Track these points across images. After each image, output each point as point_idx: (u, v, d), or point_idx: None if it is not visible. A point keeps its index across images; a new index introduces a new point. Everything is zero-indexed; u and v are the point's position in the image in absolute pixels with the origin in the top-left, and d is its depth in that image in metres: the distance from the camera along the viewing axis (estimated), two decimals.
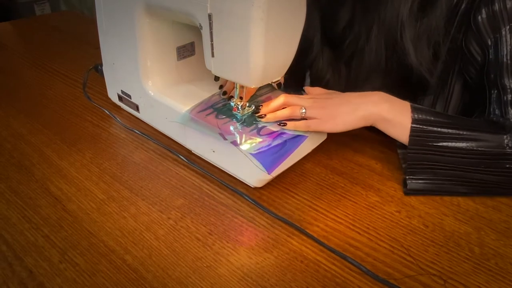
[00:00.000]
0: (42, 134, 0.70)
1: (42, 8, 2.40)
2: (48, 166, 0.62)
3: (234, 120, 0.61)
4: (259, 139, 0.57)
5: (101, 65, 0.78)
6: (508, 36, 0.58)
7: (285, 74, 0.58)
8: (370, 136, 0.70)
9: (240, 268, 0.47)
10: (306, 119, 0.59)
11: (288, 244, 0.50)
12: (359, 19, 0.69)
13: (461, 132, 0.55)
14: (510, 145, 0.54)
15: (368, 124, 0.59)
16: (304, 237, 0.51)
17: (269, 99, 0.64)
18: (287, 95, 0.62)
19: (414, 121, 0.55)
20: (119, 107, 0.78)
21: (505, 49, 0.59)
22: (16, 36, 1.20)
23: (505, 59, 0.58)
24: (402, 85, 0.68)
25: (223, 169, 0.61)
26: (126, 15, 0.65)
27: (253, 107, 0.63)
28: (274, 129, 0.59)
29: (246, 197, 0.57)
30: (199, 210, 0.55)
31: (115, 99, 0.78)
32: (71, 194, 0.57)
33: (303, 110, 0.58)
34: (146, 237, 0.51)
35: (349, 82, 0.75)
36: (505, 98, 0.58)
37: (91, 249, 0.49)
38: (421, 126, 0.55)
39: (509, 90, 0.58)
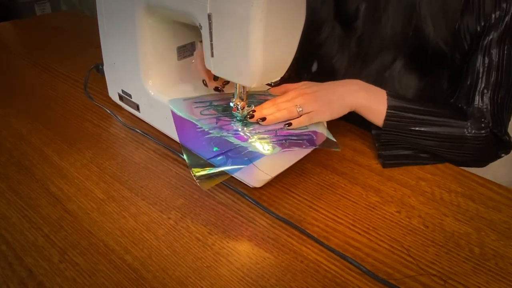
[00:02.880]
0: (42, 134, 0.70)
1: (42, 8, 2.40)
2: (48, 166, 0.63)
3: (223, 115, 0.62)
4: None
5: (102, 64, 0.78)
6: (494, 27, 0.61)
7: (286, 73, 0.58)
8: (370, 136, 0.70)
9: (240, 268, 0.47)
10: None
11: (288, 244, 0.50)
12: None
13: (430, 118, 0.62)
14: (469, 130, 0.62)
15: (351, 110, 0.63)
16: (304, 237, 0.51)
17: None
18: (274, 100, 0.62)
19: (389, 107, 0.62)
20: (119, 106, 0.78)
21: (488, 38, 0.62)
22: (16, 36, 1.20)
23: (485, 49, 0.62)
24: (417, 57, 0.69)
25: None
26: (126, 15, 0.65)
27: (253, 107, 0.63)
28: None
29: (246, 197, 0.57)
30: (199, 210, 0.55)
31: (116, 99, 0.78)
32: (71, 194, 0.57)
33: (300, 109, 0.60)
34: (146, 237, 0.51)
35: (358, 59, 0.75)
36: (475, 86, 0.63)
37: (91, 249, 0.49)
38: (395, 112, 0.62)
39: (480, 79, 0.63)
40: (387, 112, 0.62)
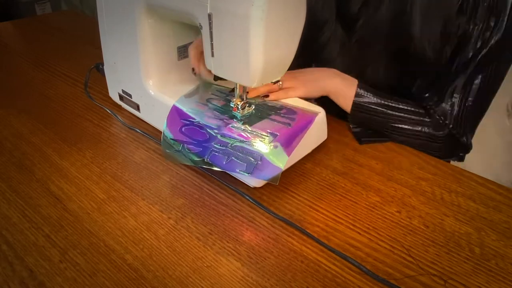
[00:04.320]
0: (42, 134, 0.70)
1: (43, 8, 2.40)
2: (49, 166, 0.63)
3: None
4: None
5: (102, 64, 0.78)
6: (481, 32, 0.62)
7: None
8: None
9: (240, 268, 0.47)
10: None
11: (288, 244, 0.50)
12: None
13: (392, 113, 0.67)
14: (427, 129, 0.67)
15: (324, 94, 0.69)
16: (305, 237, 0.51)
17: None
18: None
19: (355, 97, 0.67)
20: (120, 106, 0.78)
21: (475, 44, 0.63)
22: (17, 35, 1.20)
23: (471, 53, 0.64)
24: (400, 57, 0.71)
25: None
26: (127, 14, 0.65)
27: (253, 107, 0.63)
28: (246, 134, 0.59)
29: (247, 197, 0.57)
30: (199, 210, 0.55)
31: (116, 99, 0.78)
32: (71, 193, 0.57)
33: (280, 83, 0.66)
34: (146, 237, 0.51)
35: (357, 59, 0.76)
36: (448, 86, 0.66)
37: (92, 249, 0.49)
38: (359, 103, 0.67)
39: (455, 80, 0.65)
40: (353, 102, 0.67)
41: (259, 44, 0.50)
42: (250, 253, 0.49)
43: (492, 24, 0.61)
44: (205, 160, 0.56)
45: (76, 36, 1.16)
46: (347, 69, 0.70)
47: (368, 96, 0.67)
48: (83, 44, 1.09)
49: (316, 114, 0.62)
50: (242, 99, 0.62)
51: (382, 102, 0.67)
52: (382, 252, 0.49)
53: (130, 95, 0.73)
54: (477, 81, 0.65)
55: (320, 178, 0.61)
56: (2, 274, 0.46)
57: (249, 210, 0.55)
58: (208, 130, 0.60)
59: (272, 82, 0.60)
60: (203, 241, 0.50)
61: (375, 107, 0.67)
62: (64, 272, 0.46)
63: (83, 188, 0.58)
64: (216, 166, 0.55)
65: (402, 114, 0.67)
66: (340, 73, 0.69)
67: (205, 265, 0.47)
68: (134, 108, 0.74)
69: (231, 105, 0.63)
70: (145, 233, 0.51)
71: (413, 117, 0.67)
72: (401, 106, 0.67)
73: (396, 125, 0.67)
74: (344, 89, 0.68)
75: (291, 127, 0.60)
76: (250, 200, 0.56)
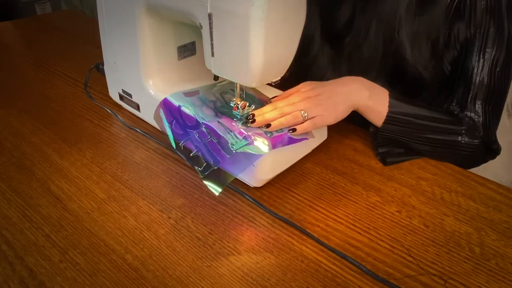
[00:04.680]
0: (43, 134, 0.70)
1: (43, 8, 2.40)
2: (49, 166, 0.63)
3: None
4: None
5: (102, 64, 0.78)
6: (485, 35, 0.62)
7: (286, 73, 0.59)
8: (370, 136, 0.70)
9: (240, 267, 0.47)
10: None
11: (288, 244, 0.50)
12: (359, 15, 0.70)
13: (428, 124, 0.63)
14: (463, 138, 0.63)
15: (353, 109, 0.63)
16: (305, 237, 0.51)
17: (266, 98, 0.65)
18: (274, 103, 0.61)
19: (390, 110, 0.61)
20: (120, 106, 0.78)
21: (479, 45, 0.63)
22: (17, 35, 1.20)
23: (478, 57, 0.63)
24: (397, 80, 0.70)
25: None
26: (127, 14, 0.65)
27: (253, 107, 0.63)
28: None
29: (247, 197, 0.57)
30: (199, 209, 0.55)
31: (116, 98, 0.78)
32: (71, 193, 0.57)
33: (305, 114, 0.59)
34: (146, 237, 0.51)
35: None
36: (467, 94, 0.64)
37: (92, 249, 0.49)
38: (394, 116, 0.62)
39: (472, 87, 0.63)
40: (387, 115, 0.61)
41: (259, 44, 0.50)
42: (250, 252, 0.49)
43: (492, 25, 0.61)
44: (180, 145, 0.57)
45: (76, 36, 1.16)
46: None
47: (402, 106, 0.62)
48: (83, 44, 1.09)
49: (307, 138, 0.61)
50: (242, 99, 0.61)
51: (416, 112, 0.62)
52: (382, 252, 0.49)
53: (130, 95, 0.73)
54: (494, 85, 0.63)
55: (320, 178, 0.61)
56: (2, 274, 0.46)
57: (249, 210, 0.55)
58: (198, 117, 0.59)
59: (272, 82, 0.60)
60: (203, 240, 0.50)
61: (409, 118, 0.62)
62: (64, 272, 0.46)
63: (83, 188, 0.58)
64: (183, 155, 0.56)
65: (435, 124, 0.63)
66: (367, 84, 0.63)
67: (205, 265, 0.47)
68: (134, 108, 0.74)
69: (231, 104, 0.63)
70: (145, 233, 0.51)
71: (448, 126, 0.63)
72: (434, 115, 0.63)
73: (429, 136, 0.63)
74: (375, 104, 0.62)
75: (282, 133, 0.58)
76: (250, 200, 0.56)
